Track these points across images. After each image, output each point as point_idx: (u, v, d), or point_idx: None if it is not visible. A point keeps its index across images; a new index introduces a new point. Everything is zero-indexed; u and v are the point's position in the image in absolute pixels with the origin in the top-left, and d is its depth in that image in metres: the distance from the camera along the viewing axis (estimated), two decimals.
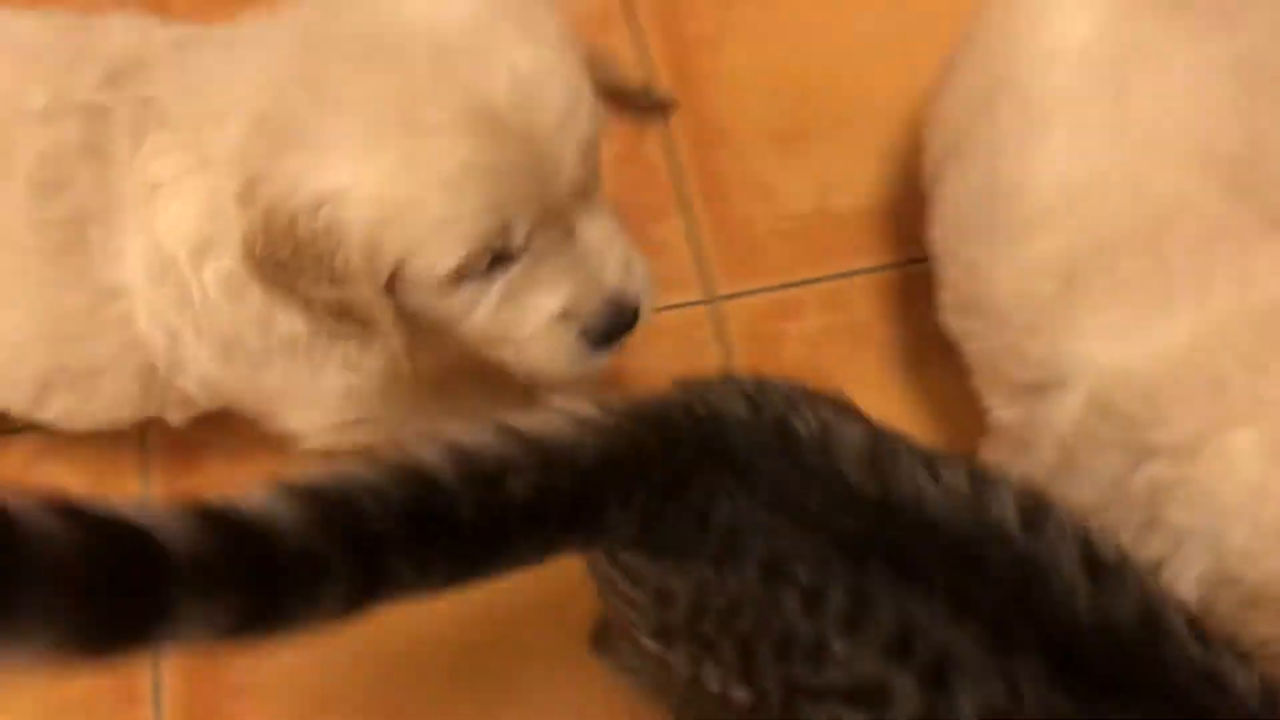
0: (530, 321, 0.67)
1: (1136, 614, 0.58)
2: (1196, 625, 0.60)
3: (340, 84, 0.62)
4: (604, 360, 0.70)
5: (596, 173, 0.68)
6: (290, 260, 0.64)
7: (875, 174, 1.17)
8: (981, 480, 0.62)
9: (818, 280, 1.11)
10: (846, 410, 0.64)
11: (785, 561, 0.57)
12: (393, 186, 0.61)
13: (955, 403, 0.97)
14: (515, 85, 0.62)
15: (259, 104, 0.64)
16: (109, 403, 0.78)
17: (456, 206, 0.61)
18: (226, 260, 0.69)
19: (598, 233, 0.67)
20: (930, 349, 1.02)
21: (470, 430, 0.55)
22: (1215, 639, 0.59)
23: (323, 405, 0.78)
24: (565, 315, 0.67)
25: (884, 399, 0.96)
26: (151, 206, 0.69)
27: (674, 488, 0.57)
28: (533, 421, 0.56)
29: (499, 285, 0.66)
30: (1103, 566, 0.60)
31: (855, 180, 1.16)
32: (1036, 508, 0.62)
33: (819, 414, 0.61)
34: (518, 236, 0.64)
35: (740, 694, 0.61)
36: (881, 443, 0.62)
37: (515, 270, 0.66)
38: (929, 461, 0.62)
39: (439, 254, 0.63)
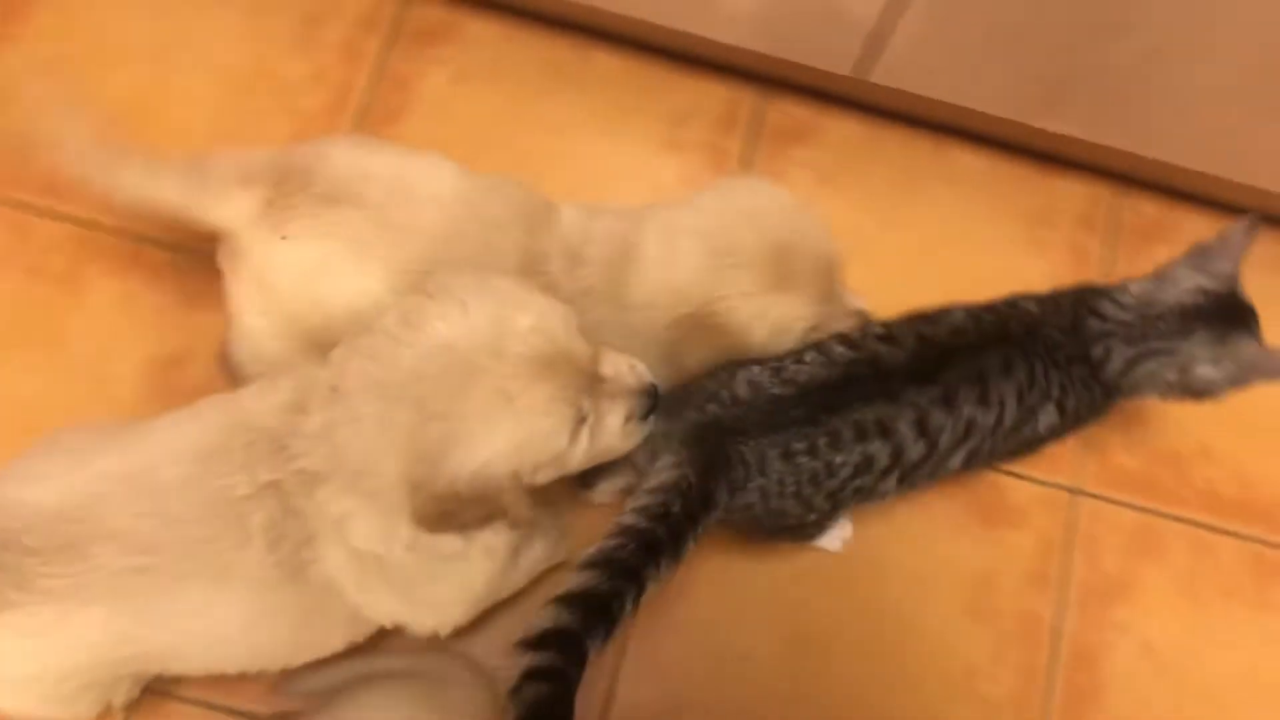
0: (613, 433, 1.01)
1: (914, 351, 1.09)
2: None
3: (449, 401, 0.91)
4: (651, 427, 1.07)
5: (587, 343, 1.01)
6: (455, 509, 0.94)
7: None
8: (817, 347, 1.09)
9: None
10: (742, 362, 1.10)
11: (790, 445, 1.05)
12: (516, 436, 0.93)
13: None
14: (543, 337, 0.94)
15: (402, 451, 0.92)
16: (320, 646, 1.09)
17: (553, 422, 0.95)
18: (402, 535, 0.97)
19: (610, 367, 1.02)
20: None
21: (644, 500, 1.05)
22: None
23: (464, 598, 1.11)
24: (626, 418, 1.02)
25: None
26: (341, 530, 0.97)
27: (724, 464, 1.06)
28: (660, 479, 1.06)
29: (586, 431, 0.99)
30: (877, 337, 1.10)
31: None
32: (858, 335, 1.10)
33: (727, 378, 1.09)
34: (585, 408, 0.98)
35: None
36: (778, 368, 1.07)
37: (591, 419, 1.00)
38: (798, 355, 1.08)
39: (553, 448, 0.96)
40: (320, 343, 1.05)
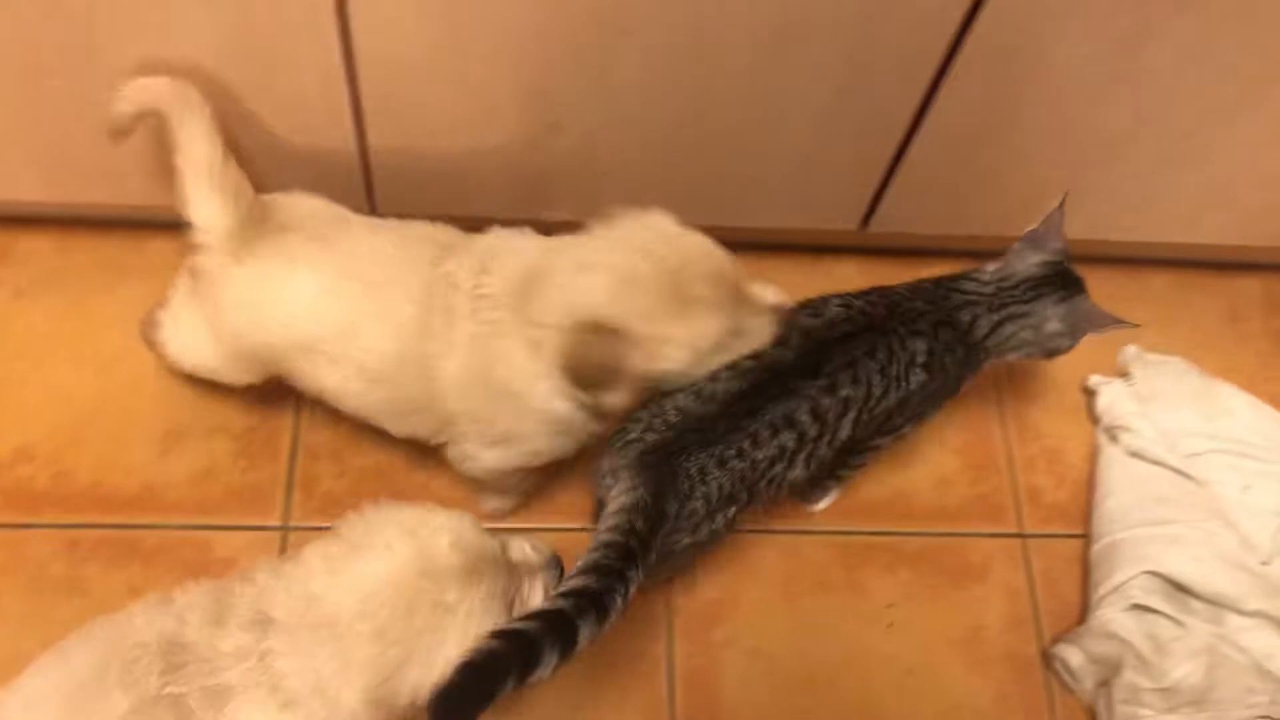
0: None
1: (799, 347, 1.26)
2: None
3: (401, 626, 1.03)
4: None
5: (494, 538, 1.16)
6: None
7: None
8: (730, 366, 1.24)
9: None
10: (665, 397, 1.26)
11: (723, 454, 1.21)
12: (464, 642, 1.03)
13: None
14: (461, 550, 1.07)
15: (365, 681, 1.03)
16: None
17: (491, 619, 1.07)
18: None
19: (517, 553, 1.17)
20: None
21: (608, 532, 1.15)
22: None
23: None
24: (546, 591, 1.16)
25: None
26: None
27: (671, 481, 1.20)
28: (620, 502, 1.17)
29: (518, 611, 1.12)
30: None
31: None
32: (754, 366, 1.25)
33: (658, 409, 1.24)
34: (511, 595, 1.12)
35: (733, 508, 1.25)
36: (698, 390, 1.23)
37: (517, 603, 1.14)
38: (713, 374, 1.24)
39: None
40: (245, 359, 1.31)
